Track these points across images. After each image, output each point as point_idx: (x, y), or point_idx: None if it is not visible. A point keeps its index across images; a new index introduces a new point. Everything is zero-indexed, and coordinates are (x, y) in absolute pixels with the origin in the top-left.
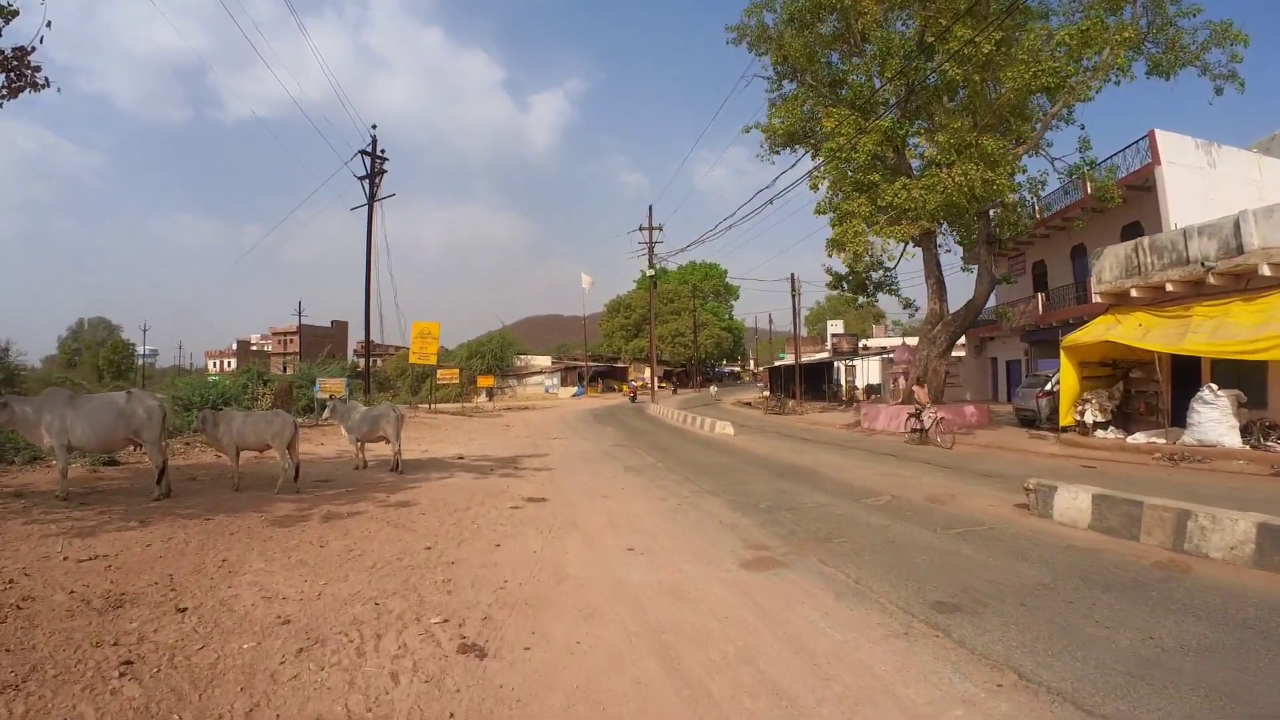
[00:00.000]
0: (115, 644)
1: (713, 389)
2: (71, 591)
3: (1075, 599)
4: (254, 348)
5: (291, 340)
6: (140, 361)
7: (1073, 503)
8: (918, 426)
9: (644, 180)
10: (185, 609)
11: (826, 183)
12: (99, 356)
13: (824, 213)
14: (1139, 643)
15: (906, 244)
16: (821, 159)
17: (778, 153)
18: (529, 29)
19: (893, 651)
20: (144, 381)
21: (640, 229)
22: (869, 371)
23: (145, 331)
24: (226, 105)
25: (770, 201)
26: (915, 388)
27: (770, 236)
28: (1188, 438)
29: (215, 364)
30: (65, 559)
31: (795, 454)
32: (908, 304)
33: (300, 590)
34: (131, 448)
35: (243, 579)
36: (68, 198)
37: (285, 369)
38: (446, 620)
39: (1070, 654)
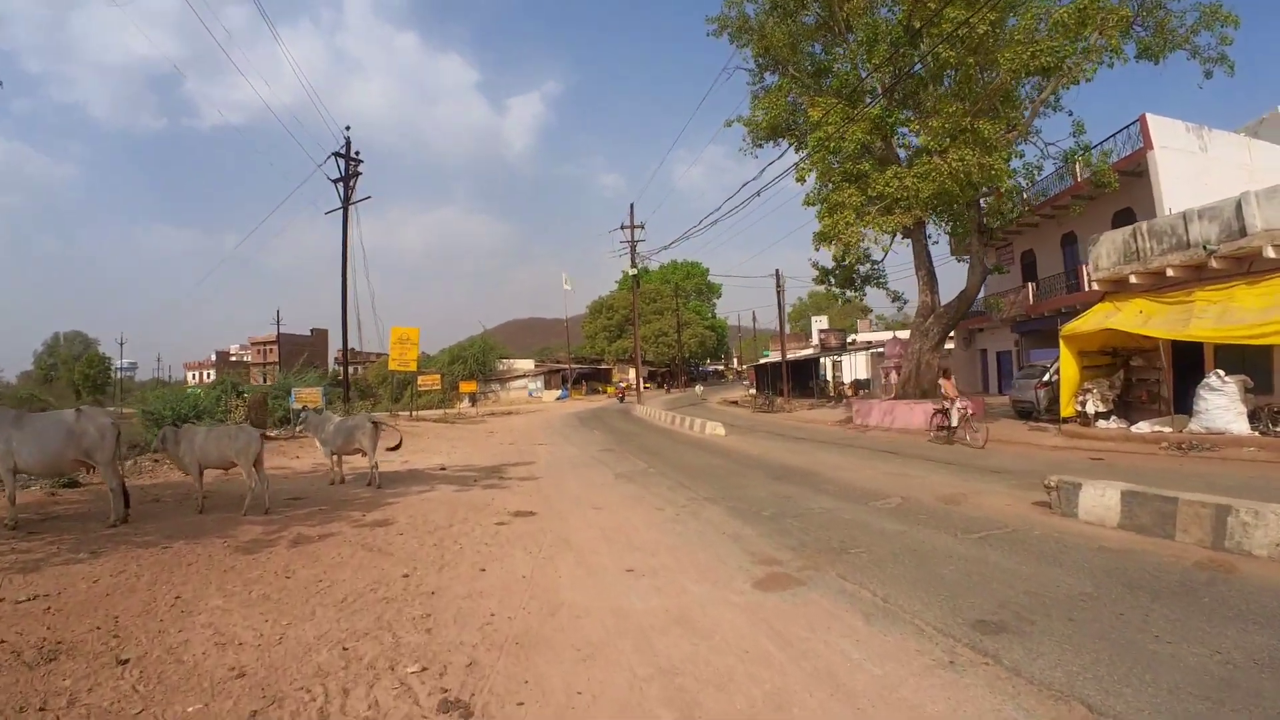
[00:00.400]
0: (42, 708)
1: (698, 388)
2: (2, 641)
3: (1125, 610)
4: (233, 358)
5: (271, 350)
6: (119, 375)
7: (1100, 500)
8: (944, 424)
9: (622, 181)
10: (127, 660)
11: (814, 174)
12: (75, 371)
13: (813, 204)
14: (1206, 659)
15: (895, 235)
16: (808, 150)
17: (760, 146)
18: (504, 32)
19: (941, 685)
20: (121, 395)
21: (621, 227)
22: (856, 367)
23: (122, 345)
24: (202, 113)
25: (758, 194)
26: (942, 380)
27: (751, 234)
28: (1195, 425)
29: (194, 375)
30: (2, 600)
31: (791, 454)
32: (896, 297)
33: (260, 633)
34: (85, 471)
35: (196, 620)
36: (42, 209)
37: (265, 379)
38: (425, 669)
39: (1138, 677)
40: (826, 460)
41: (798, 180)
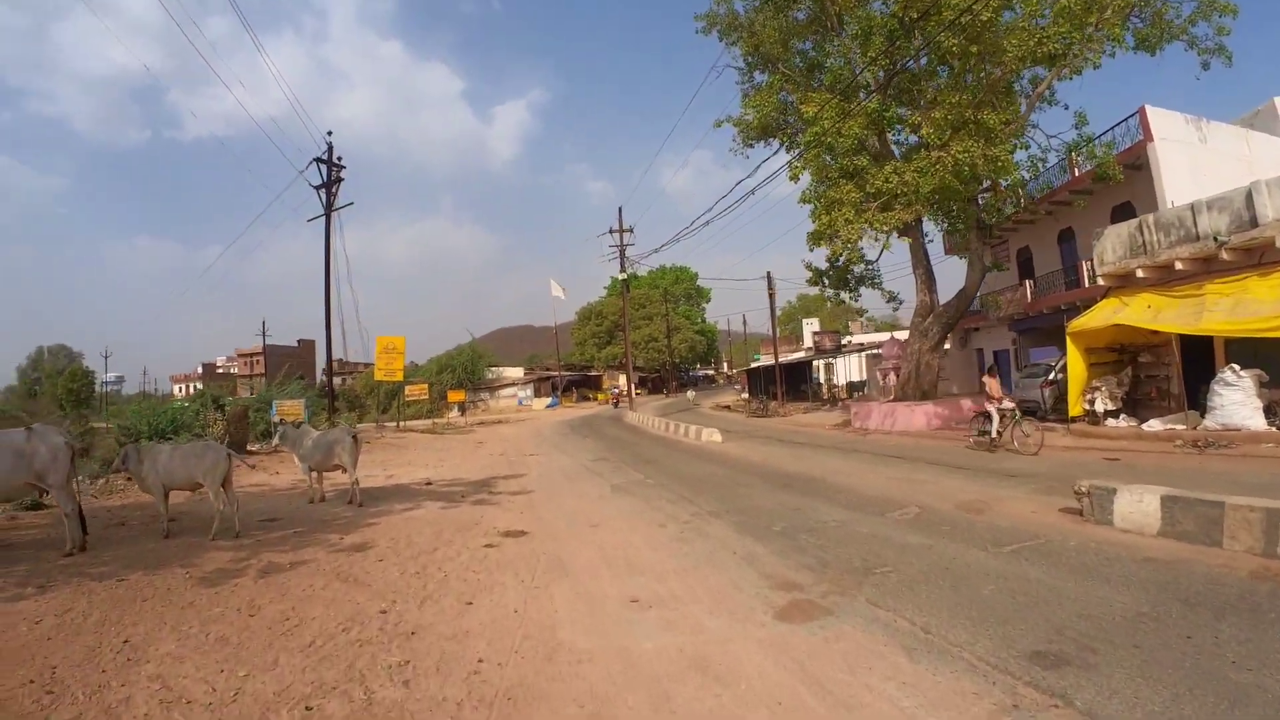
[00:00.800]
0: None
1: (690, 394)
2: None
3: (1191, 632)
4: (220, 370)
5: (258, 362)
6: (105, 389)
7: (1137, 506)
8: (986, 428)
9: (609, 188)
10: None
11: (808, 173)
12: (59, 385)
13: (809, 202)
14: None
15: (890, 234)
16: (801, 147)
17: (751, 146)
18: (489, 40)
19: None
20: (106, 409)
21: (610, 231)
22: (850, 369)
23: (107, 358)
24: (185, 125)
25: (752, 192)
26: (986, 379)
27: (740, 238)
28: (1210, 422)
29: (181, 389)
30: None
31: (794, 460)
32: (891, 297)
33: (212, 687)
34: (39, 494)
35: (143, 670)
36: (26, 223)
37: (251, 392)
38: None
39: (1226, 716)
40: (831, 466)
41: (791, 179)
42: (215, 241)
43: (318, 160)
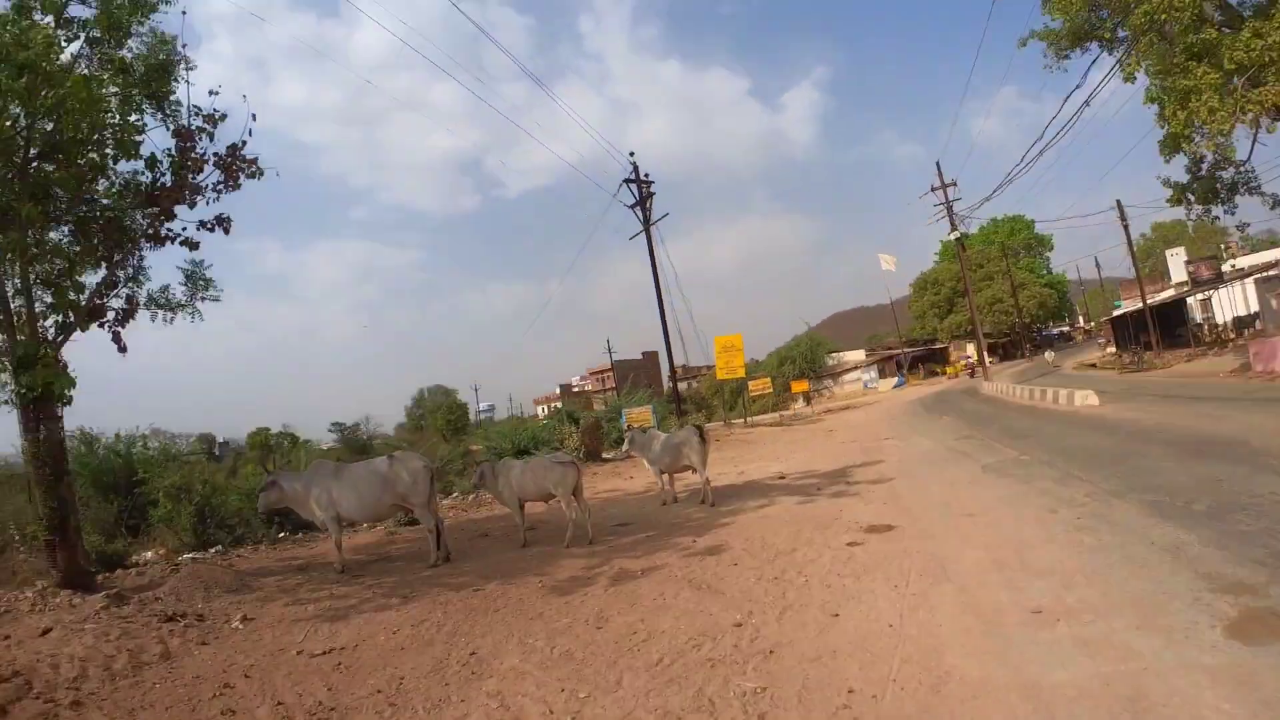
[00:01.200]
0: None
1: (1048, 355)
2: (279, 703)
3: None
4: (575, 389)
5: (608, 377)
6: (479, 417)
7: None
8: None
9: (918, 150)
10: None
11: (1142, 70)
12: (439, 419)
13: (1154, 100)
14: None
15: (1265, 117)
16: (1130, 37)
17: (1066, 57)
18: (759, 32)
19: None
20: (477, 433)
21: (932, 189)
22: (1234, 302)
23: (476, 391)
24: (508, 182)
25: (1087, 102)
26: None
27: (1071, 172)
28: None
29: (542, 409)
30: (299, 652)
31: (1196, 419)
32: (1277, 203)
33: (550, 708)
34: (407, 513)
35: (484, 686)
36: (395, 292)
37: (605, 405)
38: None
39: None
40: (1246, 423)
41: (1126, 80)
42: (555, 276)
43: (627, 181)
